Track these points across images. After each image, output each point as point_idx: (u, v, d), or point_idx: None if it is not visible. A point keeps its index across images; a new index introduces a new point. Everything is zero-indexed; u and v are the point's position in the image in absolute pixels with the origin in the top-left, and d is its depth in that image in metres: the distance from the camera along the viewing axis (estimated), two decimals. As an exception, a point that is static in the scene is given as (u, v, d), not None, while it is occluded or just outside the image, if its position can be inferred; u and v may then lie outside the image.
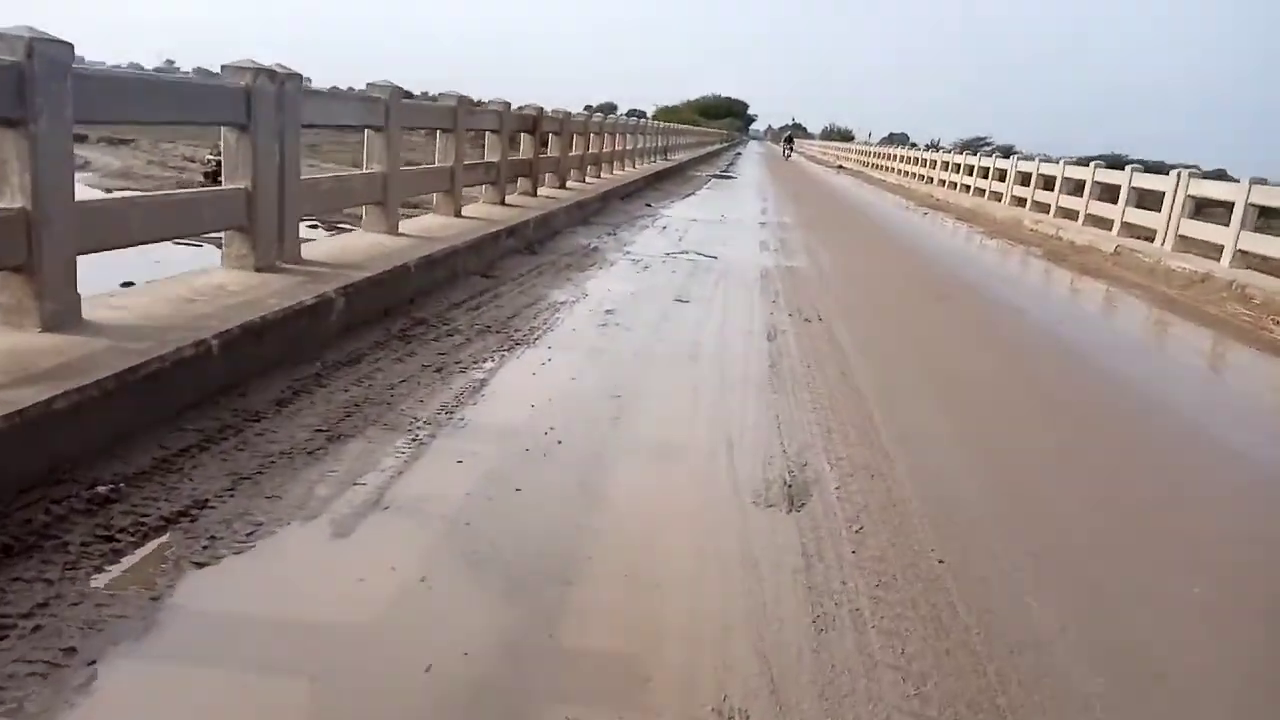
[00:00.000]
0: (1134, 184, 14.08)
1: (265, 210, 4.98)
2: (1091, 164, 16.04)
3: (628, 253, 9.30)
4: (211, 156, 21.71)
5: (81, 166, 21.43)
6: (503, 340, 5.15)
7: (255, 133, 4.85)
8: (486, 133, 9.87)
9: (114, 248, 4.05)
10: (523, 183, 11.50)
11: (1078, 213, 16.18)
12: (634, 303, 6.70)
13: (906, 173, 33.11)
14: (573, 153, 14.88)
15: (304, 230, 5.94)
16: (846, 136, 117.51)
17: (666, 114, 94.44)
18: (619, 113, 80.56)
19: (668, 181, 21.38)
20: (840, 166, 49.04)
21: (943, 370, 5.59)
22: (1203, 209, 12.65)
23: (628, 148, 20.55)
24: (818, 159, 62.86)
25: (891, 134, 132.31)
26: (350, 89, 6.59)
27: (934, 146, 61.55)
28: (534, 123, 11.33)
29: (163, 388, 3.32)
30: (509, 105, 10.00)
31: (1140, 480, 4.01)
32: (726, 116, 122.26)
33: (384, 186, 6.78)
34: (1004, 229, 16.75)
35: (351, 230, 7.61)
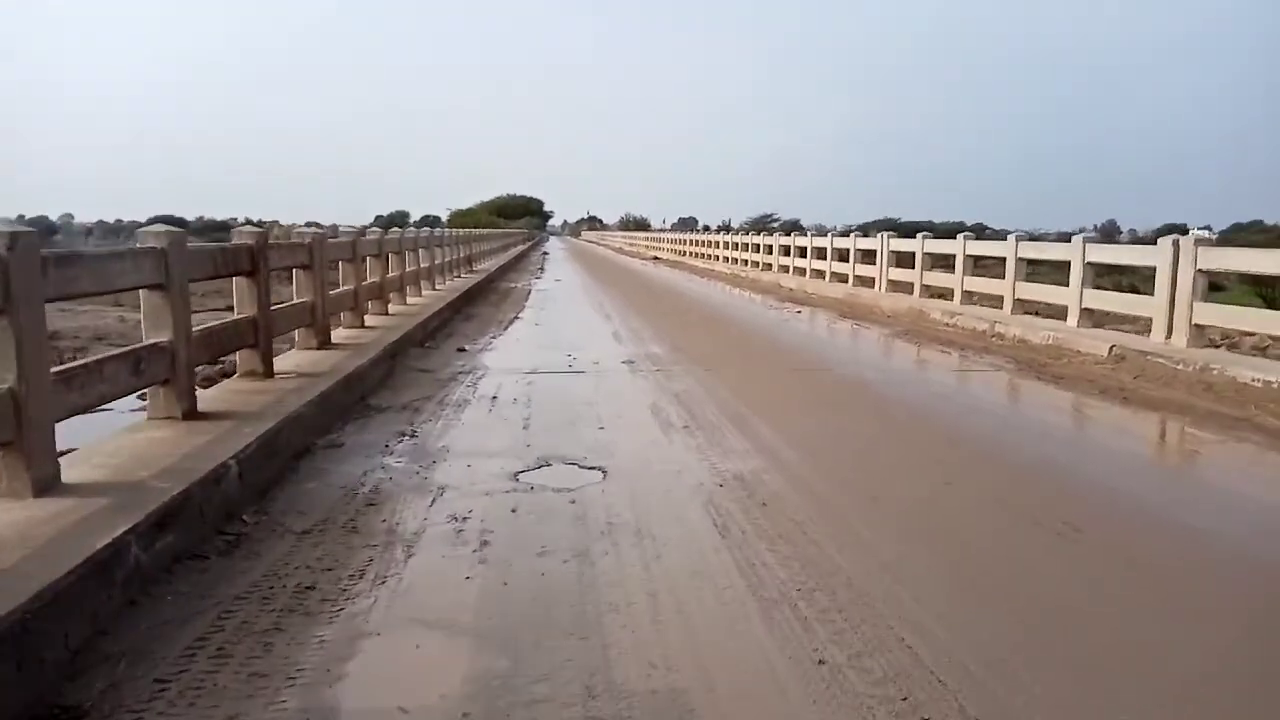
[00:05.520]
0: (1090, 259, 10.99)
1: None
2: (1012, 238, 13.01)
3: (439, 492, 4.80)
4: None
5: None
6: None
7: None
8: (142, 291, 5.18)
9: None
10: (245, 358, 6.80)
11: (1000, 298, 13.08)
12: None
13: (733, 259, 30.34)
14: (342, 286, 10.29)
15: None
16: (643, 225, 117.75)
17: (462, 217, 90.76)
18: (411, 220, 75.93)
19: (480, 303, 17.00)
20: (655, 258, 46.35)
21: None
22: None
23: (423, 265, 16.09)
24: (625, 250, 60.39)
25: (681, 218, 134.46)
26: None
27: (726, 228, 60.90)
28: (252, 257, 6.70)
29: None
30: (183, 232, 5.35)
31: None
32: (525, 216, 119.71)
33: None
34: (915, 325, 13.39)
35: None
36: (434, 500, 4.67)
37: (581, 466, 5.35)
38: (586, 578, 3.65)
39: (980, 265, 14.83)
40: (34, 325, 3.75)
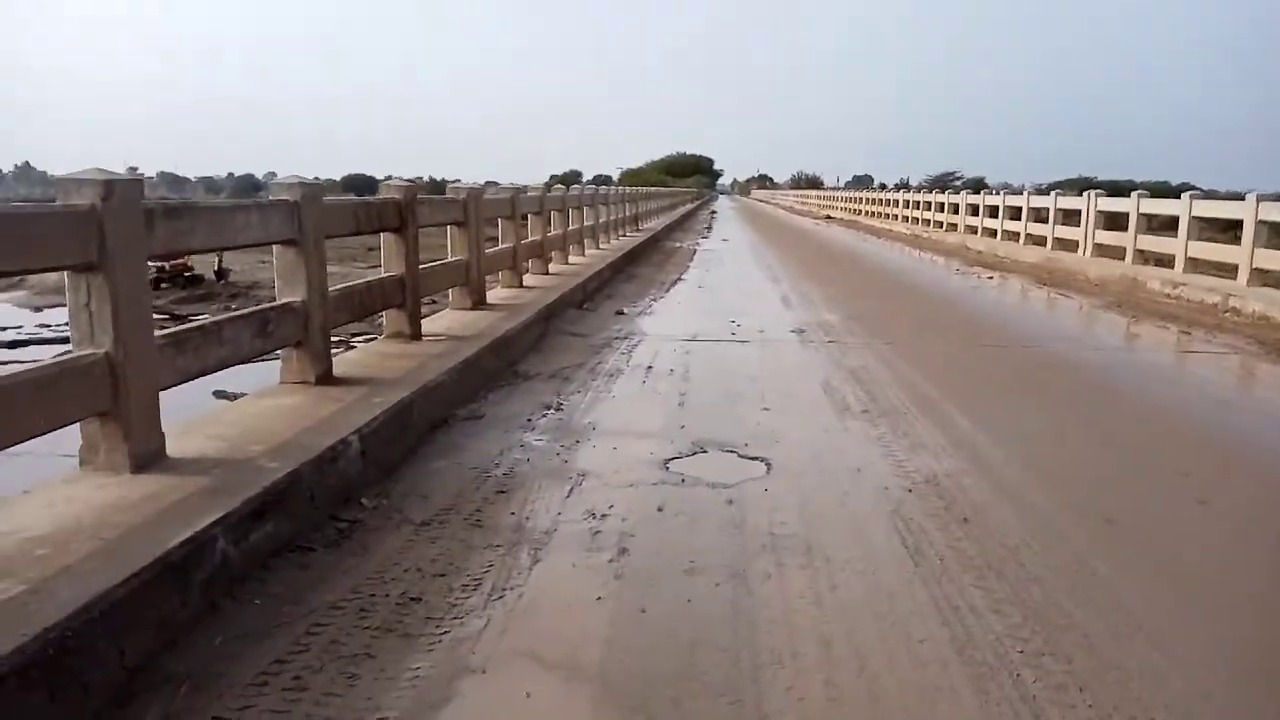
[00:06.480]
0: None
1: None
2: (1251, 196, 11.18)
3: (578, 480, 4.20)
4: None
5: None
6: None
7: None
8: (276, 248, 4.82)
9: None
10: (392, 319, 6.45)
11: (1234, 267, 11.31)
12: None
13: (913, 219, 28.52)
14: (501, 245, 9.93)
15: None
16: (815, 183, 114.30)
17: (632, 177, 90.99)
18: (584, 180, 76.67)
19: (642, 263, 16.45)
20: (828, 217, 44.59)
21: None
22: None
23: (586, 223, 15.65)
24: (797, 210, 58.64)
25: (856, 176, 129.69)
26: None
27: (903, 186, 57.77)
28: (400, 212, 6.30)
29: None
30: (318, 184, 4.94)
31: None
32: (694, 174, 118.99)
33: None
34: (1128, 296, 11.80)
35: None
36: (571, 490, 4.08)
37: (741, 456, 4.64)
38: (743, 609, 2.95)
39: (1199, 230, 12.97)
40: (134, 283, 3.37)
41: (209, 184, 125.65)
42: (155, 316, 16.03)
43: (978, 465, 4.52)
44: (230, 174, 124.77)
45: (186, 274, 20.01)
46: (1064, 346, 8.47)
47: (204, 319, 4.22)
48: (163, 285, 19.35)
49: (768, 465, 4.47)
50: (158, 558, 2.65)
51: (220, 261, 20.80)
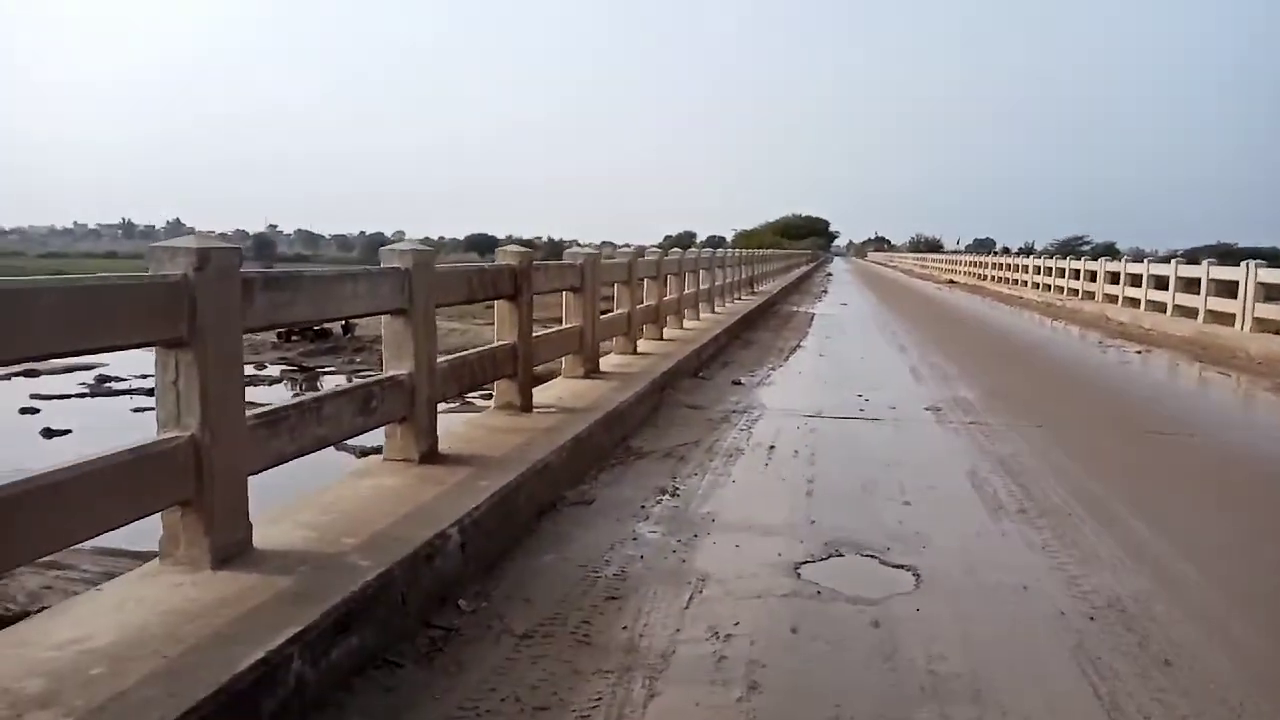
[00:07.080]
0: None
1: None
2: None
3: (698, 586, 3.72)
4: None
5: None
6: None
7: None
8: (384, 318, 4.58)
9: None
10: (502, 389, 6.16)
11: None
12: None
13: (1045, 285, 27.19)
14: (615, 310, 9.63)
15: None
16: (935, 246, 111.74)
17: (746, 238, 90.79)
18: (698, 240, 76.79)
19: (759, 328, 15.95)
20: (950, 281, 43.21)
21: None
22: None
23: (702, 287, 15.30)
24: (917, 273, 57.17)
25: (977, 239, 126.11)
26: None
27: (1028, 251, 55.68)
28: (514, 279, 6.03)
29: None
30: (431, 251, 4.67)
31: None
32: (809, 236, 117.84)
33: None
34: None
35: None
36: (691, 598, 3.60)
37: (884, 563, 4.07)
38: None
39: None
40: (227, 360, 3.11)
41: (341, 241, 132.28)
42: (284, 368, 16.03)
43: (1168, 586, 3.84)
44: (362, 232, 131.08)
45: (314, 328, 20.63)
46: (1242, 436, 7.55)
47: (304, 397, 3.94)
48: (293, 338, 19.98)
49: (916, 576, 3.89)
50: (222, 686, 2.29)
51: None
